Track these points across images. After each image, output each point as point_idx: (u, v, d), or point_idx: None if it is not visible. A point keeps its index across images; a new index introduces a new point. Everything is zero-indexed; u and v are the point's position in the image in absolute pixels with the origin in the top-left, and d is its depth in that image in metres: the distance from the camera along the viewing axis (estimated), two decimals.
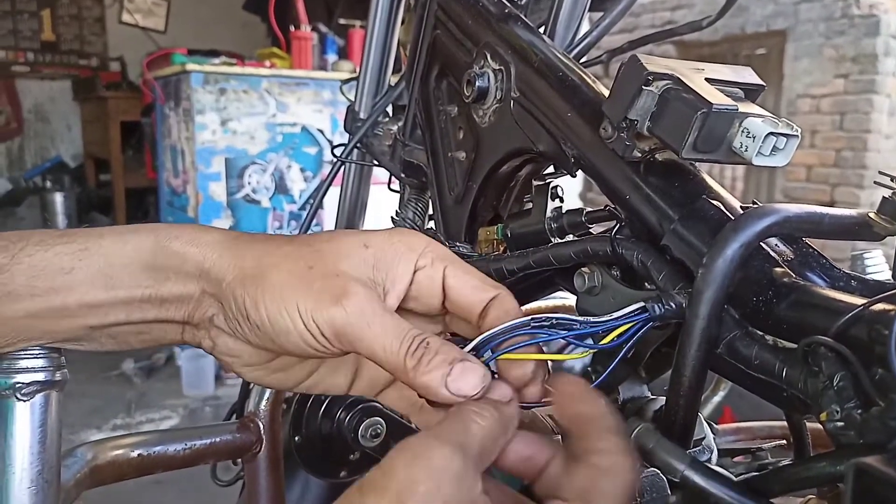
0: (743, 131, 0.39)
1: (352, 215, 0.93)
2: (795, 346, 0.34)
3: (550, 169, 0.61)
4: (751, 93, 0.43)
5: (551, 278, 0.54)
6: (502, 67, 0.57)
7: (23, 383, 0.40)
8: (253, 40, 5.31)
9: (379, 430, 0.70)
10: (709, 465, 0.36)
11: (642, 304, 0.38)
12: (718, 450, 0.48)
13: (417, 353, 0.34)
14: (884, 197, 0.39)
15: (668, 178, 0.45)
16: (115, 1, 5.96)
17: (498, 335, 0.36)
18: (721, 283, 0.36)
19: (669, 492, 0.40)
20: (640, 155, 0.44)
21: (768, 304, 0.37)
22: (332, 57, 3.49)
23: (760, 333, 0.37)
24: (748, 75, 0.44)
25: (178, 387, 3.21)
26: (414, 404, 0.40)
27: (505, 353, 0.36)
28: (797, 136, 0.39)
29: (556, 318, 0.36)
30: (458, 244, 0.58)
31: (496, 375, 0.37)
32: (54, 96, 6.03)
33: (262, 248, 0.38)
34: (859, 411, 0.30)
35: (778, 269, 0.38)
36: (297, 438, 0.71)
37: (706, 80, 0.42)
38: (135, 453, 0.56)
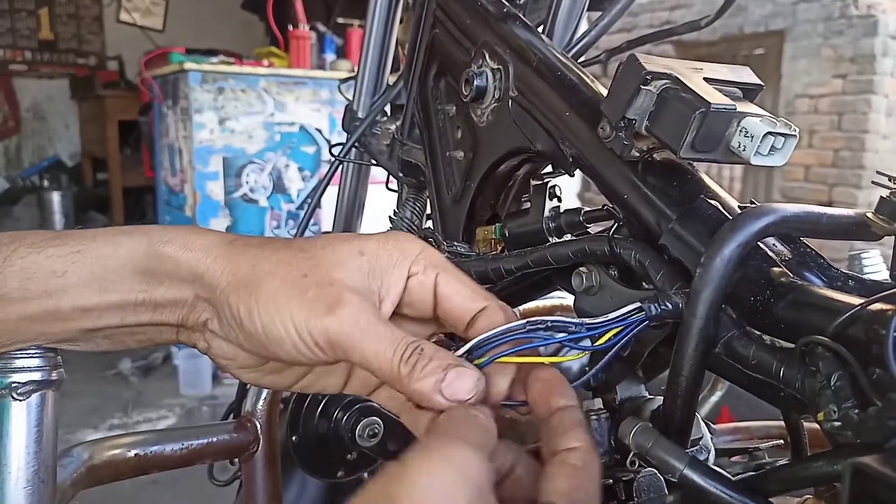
0: (741, 131, 0.39)
1: (350, 215, 0.93)
2: (793, 345, 0.34)
3: (548, 168, 0.61)
4: (749, 92, 0.43)
5: (549, 278, 0.54)
6: (501, 67, 0.57)
7: (19, 383, 0.40)
8: (251, 39, 5.31)
9: (376, 430, 0.70)
10: (707, 465, 0.36)
11: (638, 304, 0.38)
12: (716, 449, 0.48)
13: (411, 360, 0.34)
14: (881, 197, 0.39)
15: (666, 177, 0.44)
16: (112, 0, 5.95)
17: (492, 338, 0.36)
18: (719, 283, 0.36)
19: (667, 491, 0.40)
20: (638, 154, 0.44)
21: (766, 304, 0.37)
22: (330, 56, 3.49)
23: (758, 333, 0.37)
24: (746, 75, 0.44)
25: (175, 386, 3.20)
26: (404, 404, 0.40)
27: (501, 356, 0.36)
28: (795, 135, 0.39)
29: (552, 321, 0.36)
30: (455, 243, 0.58)
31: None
32: (52, 95, 6.02)
33: (256, 253, 0.38)
34: (856, 411, 0.30)
35: (776, 269, 0.38)
36: (294, 438, 0.71)
37: (704, 79, 0.42)
38: (131, 453, 0.56)
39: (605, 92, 0.47)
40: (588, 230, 0.53)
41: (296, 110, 3.29)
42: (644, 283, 0.44)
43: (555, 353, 0.43)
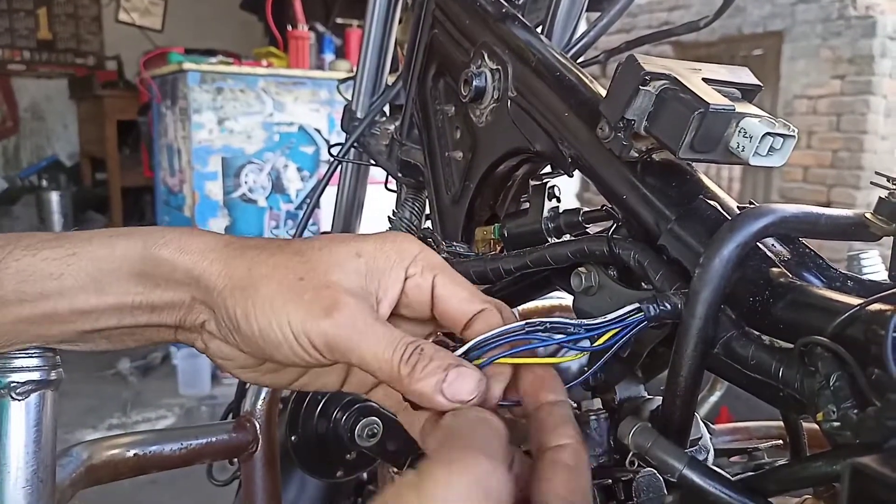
0: (740, 131, 0.39)
1: (348, 215, 0.93)
2: (792, 346, 0.34)
3: (547, 169, 0.61)
4: (748, 93, 0.43)
5: (548, 278, 0.54)
6: (499, 67, 0.57)
7: (18, 382, 0.40)
8: (250, 39, 5.31)
9: (375, 430, 0.70)
10: (707, 465, 0.36)
11: (637, 305, 0.38)
12: (715, 450, 0.48)
13: (411, 361, 0.34)
14: (880, 197, 0.39)
15: (664, 178, 0.45)
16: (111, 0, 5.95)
17: (491, 339, 0.36)
18: (718, 284, 0.36)
19: (666, 491, 0.40)
20: (637, 155, 0.44)
21: (765, 304, 0.37)
22: (329, 56, 3.49)
23: (757, 333, 0.37)
24: (745, 76, 0.44)
25: (174, 386, 3.20)
26: (400, 403, 0.40)
27: (500, 357, 0.36)
28: (794, 136, 0.40)
29: (551, 323, 0.36)
30: (454, 244, 0.58)
31: None
32: (50, 95, 6.02)
33: (252, 256, 0.38)
34: (855, 411, 0.30)
35: (774, 269, 0.38)
36: (293, 438, 0.71)
37: (703, 80, 0.42)
38: (130, 453, 0.56)
39: (603, 92, 0.47)
40: (587, 230, 0.53)
41: (295, 110, 3.29)
42: (643, 284, 0.44)
43: (553, 354, 0.43)
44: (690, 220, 0.42)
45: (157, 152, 3.69)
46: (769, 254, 0.39)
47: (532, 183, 0.57)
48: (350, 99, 0.86)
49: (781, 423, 0.55)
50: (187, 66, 3.11)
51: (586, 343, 0.37)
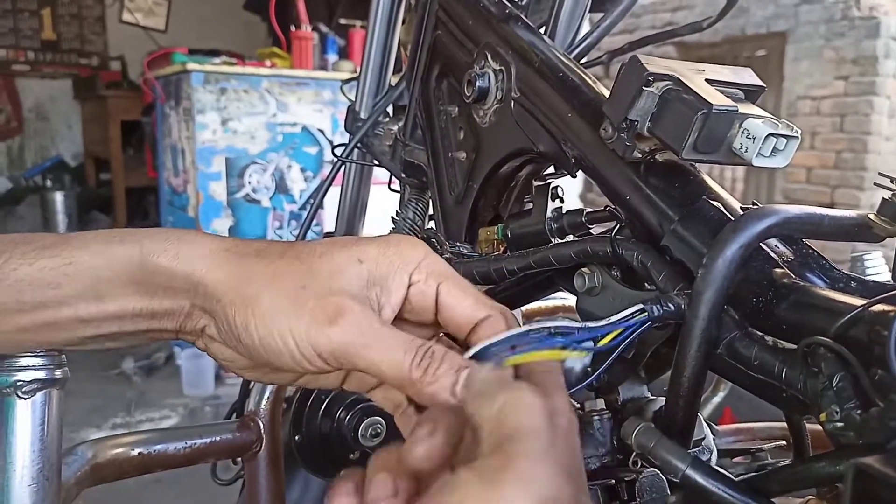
0: (743, 132, 0.39)
1: (352, 215, 0.93)
2: (795, 346, 0.34)
3: (551, 169, 0.61)
4: (751, 94, 0.43)
5: (551, 279, 0.54)
6: (503, 68, 0.57)
7: (24, 381, 0.41)
8: (253, 40, 5.31)
9: (379, 430, 0.70)
10: (710, 465, 0.36)
11: (641, 305, 0.38)
12: (718, 450, 0.48)
13: (423, 364, 0.34)
14: (884, 198, 0.39)
15: (668, 178, 0.45)
16: (115, 0, 5.96)
17: (498, 343, 0.36)
18: (721, 284, 0.36)
19: (669, 492, 0.40)
20: (640, 155, 0.45)
21: (768, 305, 0.37)
22: (332, 57, 3.49)
23: (760, 334, 0.37)
24: (748, 76, 0.44)
25: (178, 386, 3.20)
26: (399, 405, 0.40)
27: (507, 358, 0.36)
28: (797, 137, 0.40)
29: (556, 327, 0.36)
30: (458, 244, 0.59)
31: None
32: (55, 95, 6.03)
33: (252, 265, 0.37)
34: (858, 412, 0.30)
35: (778, 270, 0.38)
36: (297, 438, 0.71)
37: (706, 80, 0.42)
38: (135, 452, 0.56)
39: (607, 93, 0.47)
40: (590, 231, 0.53)
41: (298, 111, 3.29)
42: (646, 284, 0.44)
43: None
44: (694, 220, 0.42)
45: (161, 152, 3.70)
46: (772, 255, 0.39)
47: (535, 183, 0.57)
48: (353, 99, 0.86)
49: (785, 424, 0.55)
50: (191, 66, 3.12)
51: (590, 343, 0.37)
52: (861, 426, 0.30)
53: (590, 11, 0.73)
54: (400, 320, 0.39)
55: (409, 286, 0.38)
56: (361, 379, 0.42)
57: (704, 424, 0.47)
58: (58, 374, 0.42)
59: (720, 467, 0.37)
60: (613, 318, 0.38)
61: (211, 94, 3.13)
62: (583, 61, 0.71)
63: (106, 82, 5.46)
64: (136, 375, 3.35)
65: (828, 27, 4.11)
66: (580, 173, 0.52)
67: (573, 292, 0.48)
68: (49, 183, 5.82)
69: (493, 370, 0.33)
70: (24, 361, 0.41)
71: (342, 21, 3.72)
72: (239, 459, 0.67)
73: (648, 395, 0.48)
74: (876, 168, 3.91)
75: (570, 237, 0.53)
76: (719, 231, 0.37)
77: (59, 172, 5.94)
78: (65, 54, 6.02)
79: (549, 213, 0.54)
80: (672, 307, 0.38)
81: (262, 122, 3.23)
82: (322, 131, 3.34)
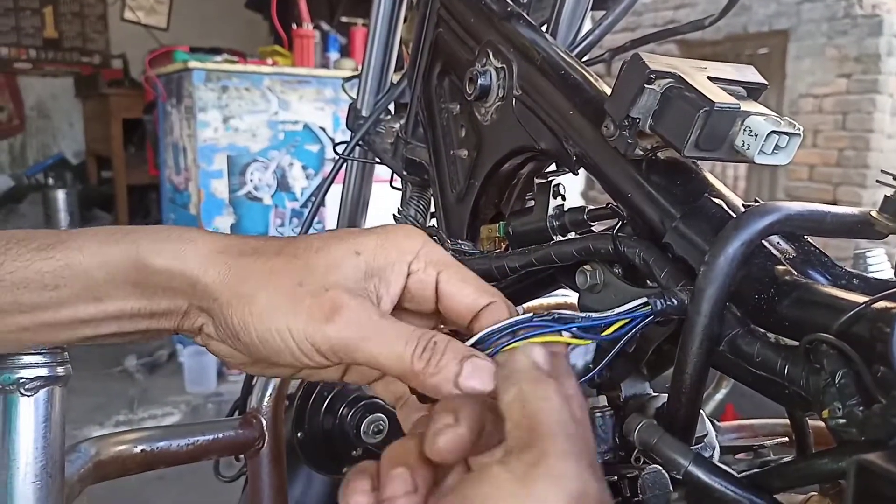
0: (745, 130, 0.39)
1: (353, 213, 0.93)
2: (797, 343, 0.34)
3: (552, 167, 0.61)
4: (753, 91, 0.43)
5: (553, 276, 0.54)
6: (504, 65, 0.57)
7: (27, 378, 0.41)
8: (255, 38, 5.31)
9: (381, 427, 0.70)
10: (712, 462, 0.36)
11: (645, 299, 0.38)
12: (720, 447, 0.48)
13: (425, 356, 0.34)
14: (886, 196, 0.39)
15: (669, 176, 0.45)
16: None
17: (500, 330, 0.36)
18: (723, 281, 0.36)
19: (671, 488, 0.40)
20: (642, 153, 0.44)
21: (770, 302, 0.37)
22: (334, 55, 3.49)
23: (762, 331, 0.37)
24: (751, 74, 0.44)
25: (180, 383, 3.21)
26: (400, 398, 0.40)
27: (510, 343, 0.36)
28: (799, 134, 0.40)
29: (558, 314, 0.36)
30: (459, 242, 0.59)
31: None
32: (56, 93, 6.03)
33: (248, 263, 0.37)
34: (861, 408, 0.30)
35: (780, 267, 0.38)
36: (299, 434, 0.71)
37: (708, 78, 0.42)
38: (138, 449, 0.56)
39: (608, 91, 0.47)
40: (592, 229, 0.53)
41: (300, 109, 3.29)
42: (648, 282, 0.44)
43: None
44: (695, 217, 0.42)
45: (163, 150, 3.70)
46: (774, 252, 0.39)
47: (537, 181, 0.57)
48: (355, 97, 0.86)
49: (787, 421, 0.55)
50: (192, 64, 3.12)
51: (594, 332, 0.37)
52: (863, 423, 0.30)
53: (591, 9, 0.73)
54: (400, 310, 0.39)
55: (408, 276, 0.38)
56: (362, 371, 0.42)
57: (707, 421, 0.47)
58: (60, 371, 0.42)
59: (722, 464, 0.38)
60: (618, 310, 0.38)
61: (212, 92, 3.13)
62: (584, 59, 0.71)
63: (108, 80, 5.46)
64: (139, 373, 3.35)
65: (830, 25, 4.10)
66: (582, 171, 0.52)
67: (575, 290, 0.48)
68: (51, 181, 5.83)
69: (523, 360, 0.33)
70: (27, 359, 0.41)
71: (343, 19, 3.72)
72: (241, 456, 0.67)
73: (651, 391, 0.49)
74: (878, 166, 3.90)
75: (572, 235, 0.53)
76: (721, 228, 0.37)
77: (60, 170, 5.95)
78: (66, 52, 6.02)
79: (550, 211, 0.54)
80: (675, 302, 0.38)
81: (263, 119, 3.23)
82: (324, 129, 3.34)
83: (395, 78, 0.85)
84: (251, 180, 3.25)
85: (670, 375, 0.39)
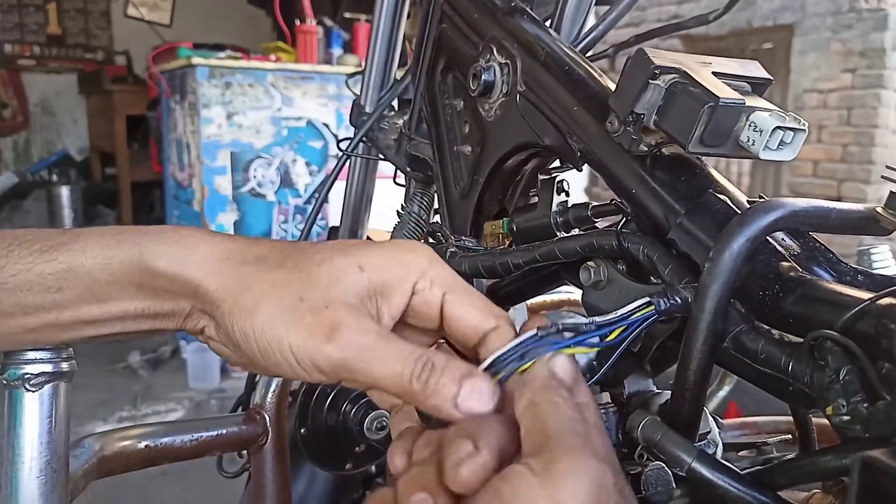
0: (750, 125, 0.39)
1: (357, 209, 0.94)
2: (802, 340, 0.34)
3: (556, 163, 0.61)
4: (758, 87, 0.43)
5: (557, 272, 0.54)
6: (508, 61, 0.57)
7: (31, 374, 0.41)
8: (258, 34, 5.31)
9: (384, 423, 0.70)
10: (716, 458, 0.36)
11: (648, 299, 0.38)
12: (723, 444, 0.48)
13: (423, 376, 0.34)
14: (891, 192, 0.39)
15: (674, 172, 0.44)
16: None
17: (509, 353, 0.36)
18: (727, 278, 0.36)
19: (674, 485, 0.40)
20: (646, 149, 0.44)
21: (775, 299, 0.37)
22: (337, 51, 3.49)
23: (766, 327, 0.37)
24: (755, 69, 0.44)
25: (183, 380, 3.22)
26: (395, 406, 0.40)
27: (520, 366, 0.35)
28: (804, 130, 0.39)
29: (563, 325, 0.36)
30: (463, 238, 0.59)
31: None
32: (60, 90, 6.04)
33: (251, 272, 0.37)
34: (865, 405, 0.30)
35: (784, 264, 0.38)
36: (302, 430, 0.71)
37: (713, 73, 0.41)
38: (142, 444, 0.57)
39: (613, 86, 0.47)
40: (596, 225, 0.53)
41: (303, 105, 3.29)
42: (652, 278, 0.44)
43: None
44: (700, 214, 0.42)
45: (167, 147, 3.71)
46: (779, 248, 0.39)
47: (541, 177, 0.57)
48: (358, 93, 0.86)
49: (790, 419, 0.55)
50: (196, 60, 3.12)
51: (597, 339, 0.37)
52: (868, 419, 0.30)
53: (595, 4, 0.73)
54: (403, 325, 0.39)
55: (412, 294, 0.38)
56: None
57: (710, 418, 0.47)
58: (65, 366, 0.42)
59: (726, 461, 0.37)
60: (619, 313, 0.38)
61: (216, 88, 3.13)
62: (588, 55, 0.71)
63: (111, 77, 5.47)
64: (142, 369, 3.36)
65: (835, 19, 4.08)
66: (586, 167, 0.51)
67: (579, 286, 0.48)
68: (55, 177, 5.84)
69: (535, 370, 0.33)
70: (31, 354, 0.41)
71: (347, 15, 3.71)
72: (245, 452, 0.68)
73: (654, 388, 0.48)
74: (883, 162, 3.89)
75: (576, 231, 0.53)
76: (726, 224, 0.37)
77: (64, 167, 5.96)
78: (70, 49, 6.03)
79: (554, 207, 0.54)
80: (678, 300, 0.38)
81: (267, 116, 3.23)
82: (327, 125, 3.34)
83: (399, 74, 0.85)
84: (255, 177, 3.25)
85: (674, 372, 0.39)
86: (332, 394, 0.71)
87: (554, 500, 0.27)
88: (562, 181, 0.55)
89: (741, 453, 0.55)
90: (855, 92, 4.03)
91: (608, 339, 0.37)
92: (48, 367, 0.41)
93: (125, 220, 5.22)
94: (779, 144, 0.39)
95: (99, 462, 0.53)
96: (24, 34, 5.87)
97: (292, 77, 3.26)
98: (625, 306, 0.38)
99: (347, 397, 0.71)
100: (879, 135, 3.97)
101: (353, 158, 0.89)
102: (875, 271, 0.41)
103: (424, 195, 0.80)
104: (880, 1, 3.91)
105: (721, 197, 0.42)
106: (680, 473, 0.36)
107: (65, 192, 5.38)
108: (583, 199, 0.65)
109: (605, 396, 0.47)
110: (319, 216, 0.85)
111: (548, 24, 0.68)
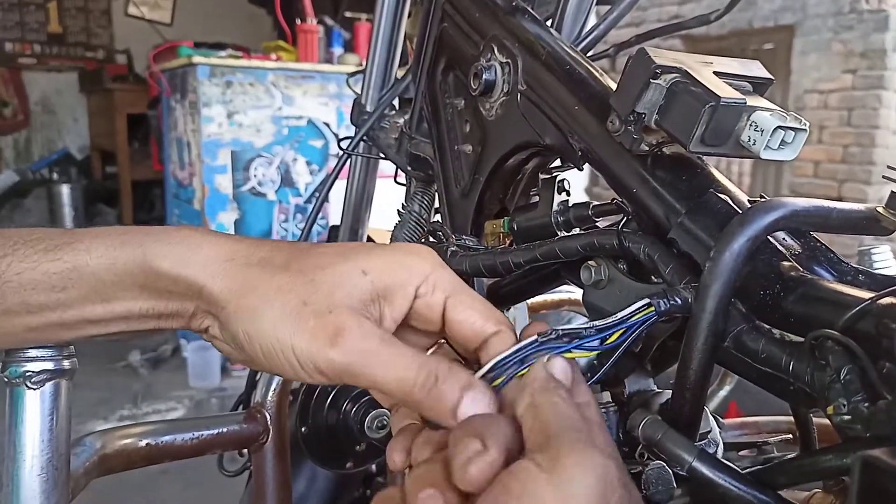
0: (751, 125, 0.39)
1: (358, 209, 0.94)
2: (802, 339, 0.34)
3: (557, 162, 0.61)
4: (759, 86, 0.43)
5: (557, 272, 0.54)
6: (509, 60, 0.57)
7: (33, 372, 0.41)
8: (259, 33, 5.31)
9: (385, 422, 0.70)
10: (717, 458, 0.36)
11: (648, 300, 0.38)
12: (724, 444, 0.48)
13: (427, 385, 0.34)
14: (892, 192, 0.39)
15: (675, 171, 0.44)
16: None
17: (508, 358, 0.36)
18: (728, 277, 0.36)
19: (675, 484, 0.40)
20: (647, 148, 0.44)
21: (775, 298, 0.37)
22: (338, 50, 3.49)
23: (767, 327, 0.37)
24: (756, 69, 0.44)
25: (184, 378, 3.22)
26: (395, 403, 0.40)
27: (519, 372, 0.36)
28: (805, 129, 0.39)
29: (563, 330, 0.36)
30: (464, 237, 0.59)
31: None
32: (61, 88, 6.04)
33: (255, 275, 0.37)
34: (866, 405, 0.30)
35: (785, 263, 0.38)
36: (303, 429, 0.71)
37: (714, 73, 0.41)
38: (143, 443, 0.57)
39: (614, 86, 0.47)
40: (597, 224, 0.53)
41: (304, 104, 3.29)
42: (653, 277, 0.44)
43: None
44: (701, 213, 0.42)
45: (167, 146, 3.71)
46: (780, 248, 0.39)
47: (541, 176, 0.57)
48: (359, 93, 0.86)
49: (791, 419, 0.55)
50: (197, 59, 3.12)
51: (597, 342, 0.37)
52: (869, 419, 0.30)
53: (596, 4, 0.73)
54: (404, 327, 0.39)
55: (415, 298, 0.38)
56: None
57: (711, 417, 0.47)
58: (67, 364, 0.42)
59: (726, 460, 0.37)
60: (619, 316, 0.38)
61: (216, 87, 3.13)
62: (589, 54, 0.71)
63: (112, 75, 5.47)
64: (143, 368, 3.36)
65: (836, 20, 4.08)
66: (587, 166, 0.52)
67: (579, 285, 0.48)
68: (55, 176, 5.84)
69: (535, 372, 0.34)
70: (33, 352, 0.41)
71: (347, 14, 3.71)
72: (245, 451, 0.68)
73: (654, 387, 0.48)
74: (884, 162, 3.89)
75: (577, 230, 0.53)
76: (727, 224, 0.37)
77: (65, 165, 5.96)
78: (71, 47, 6.03)
79: (555, 207, 0.54)
80: (679, 301, 0.38)
81: (267, 115, 3.23)
82: (328, 124, 3.34)
83: (400, 73, 0.85)
84: (255, 176, 3.25)
85: (674, 371, 0.39)
86: (333, 393, 0.71)
87: (561, 493, 0.28)
88: (562, 180, 0.55)
89: (742, 453, 0.55)
90: (856, 93, 4.03)
91: (608, 341, 0.37)
92: (49, 365, 0.41)
93: (125, 218, 5.22)
94: (780, 144, 0.39)
95: (100, 460, 0.53)
96: (25, 32, 5.87)
97: (293, 76, 3.26)
98: (625, 308, 0.38)
99: (348, 396, 0.71)
100: (880, 135, 3.97)
101: (353, 157, 0.89)
102: (876, 271, 0.41)
103: (425, 194, 0.80)
104: (881, 2, 3.91)
105: (722, 196, 0.42)
106: (681, 473, 0.36)
107: (65, 190, 5.38)
108: (583, 198, 0.65)
109: (606, 395, 0.47)
110: (320, 215, 0.85)
111: (549, 23, 0.68)
